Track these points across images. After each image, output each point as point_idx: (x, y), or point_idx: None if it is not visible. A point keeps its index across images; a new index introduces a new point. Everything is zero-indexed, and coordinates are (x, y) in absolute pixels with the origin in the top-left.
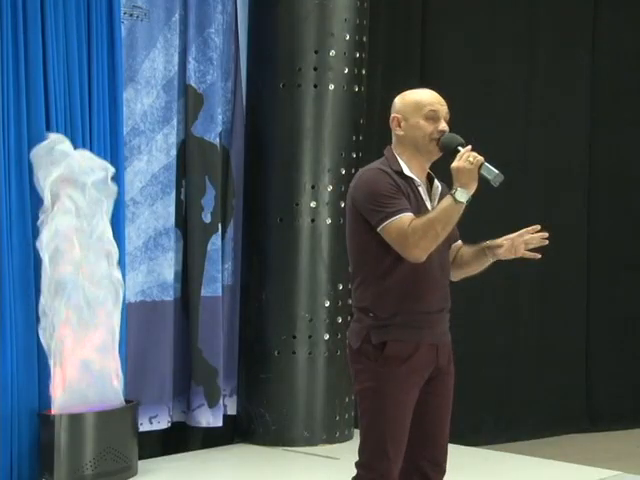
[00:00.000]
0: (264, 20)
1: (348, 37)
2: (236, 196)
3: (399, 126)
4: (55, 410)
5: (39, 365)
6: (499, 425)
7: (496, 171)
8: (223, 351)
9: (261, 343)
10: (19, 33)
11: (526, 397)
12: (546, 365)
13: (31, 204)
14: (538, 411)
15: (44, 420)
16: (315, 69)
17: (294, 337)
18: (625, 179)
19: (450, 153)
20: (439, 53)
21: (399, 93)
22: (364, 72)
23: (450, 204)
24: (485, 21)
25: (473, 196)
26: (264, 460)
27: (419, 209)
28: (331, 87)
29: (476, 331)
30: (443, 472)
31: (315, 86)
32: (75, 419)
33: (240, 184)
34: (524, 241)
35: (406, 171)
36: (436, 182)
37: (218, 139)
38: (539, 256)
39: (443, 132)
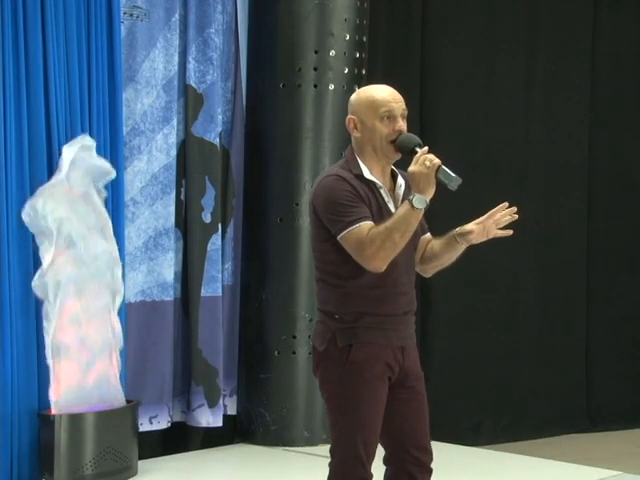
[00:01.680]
0: (264, 20)
1: (348, 37)
2: (236, 196)
3: (355, 128)
4: (55, 410)
5: (39, 365)
6: (499, 425)
7: (453, 175)
8: (223, 351)
9: (261, 343)
10: (19, 33)
11: (526, 397)
12: (546, 365)
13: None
14: (538, 411)
15: (44, 420)
16: (315, 69)
17: (294, 337)
18: (625, 179)
19: (407, 154)
20: (439, 53)
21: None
22: (364, 72)
23: (407, 211)
24: (485, 21)
25: (432, 200)
26: (264, 460)
27: (381, 213)
28: (331, 87)
29: (476, 331)
30: (430, 472)
31: (315, 86)
32: (75, 419)
33: (240, 184)
34: (495, 221)
35: (366, 174)
36: (399, 180)
37: (218, 139)
38: (511, 232)
39: (400, 132)
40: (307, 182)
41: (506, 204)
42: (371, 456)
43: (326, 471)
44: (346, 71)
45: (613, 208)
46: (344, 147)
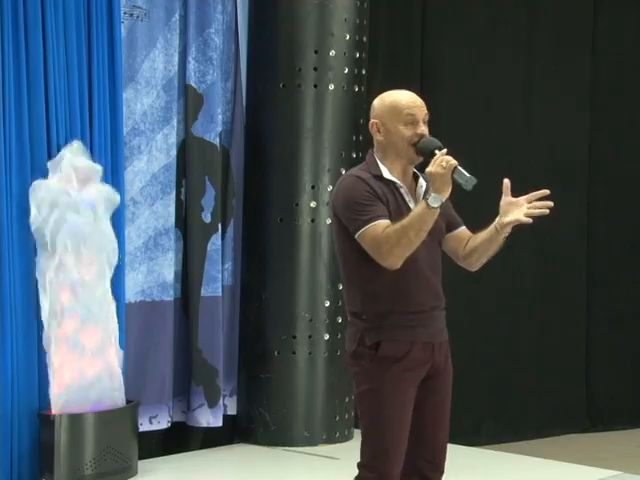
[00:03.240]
0: (264, 20)
1: (348, 37)
2: (236, 196)
3: (378, 131)
4: (55, 410)
5: (39, 365)
6: (499, 425)
7: (469, 175)
8: (223, 351)
9: (261, 343)
10: (19, 33)
11: (526, 397)
12: (546, 365)
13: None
14: (538, 411)
15: (44, 420)
16: (315, 69)
17: (294, 337)
18: (625, 179)
19: (428, 157)
20: (439, 53)
21: None
22: (364, 72)
23: (423, 209)
24: (485, 21)
25: (449, 200)
26: (264, 460)
27: (401, 212)
28: (331, 87)
29: (476, 331)
30: (441, 472)
31: (315, 86)
32: (75, 419)
33: (240, 184)
34: (530, 204)
35: (386, 175)
36: (421, 180)
37: (218, 139)
38: (531, 220)
39: (422, 136)
40: (307, 182)
41: (547, 191)
42: (400, 454)
43: (326, 471)
44: (346, 71)
45: (613, 208)
46: (344, 147)
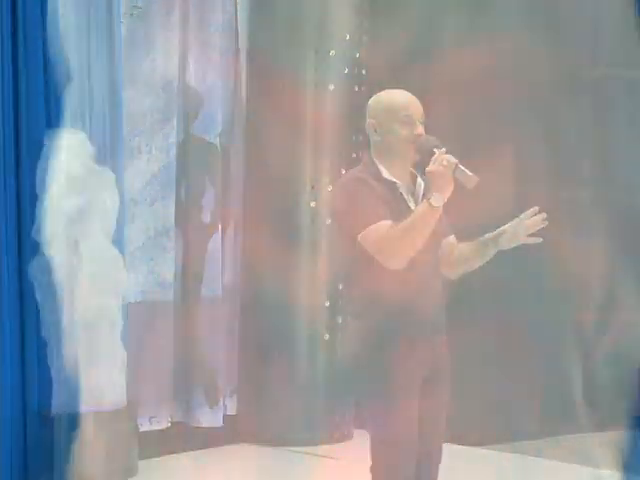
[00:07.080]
0: (264, 20)
1: (348, 37)
2: (236, 196)
3: (375, 131)
4: (55, 410)
5: (39, 365)
6: (499, 425)
7: (470, 173)
8: (223, 351)
9: (261, 343)
10: (18, 33)
11: (526, 397)
12: (546, 364)
13: (30, 205)
14: (538, 411)
15: (44, 420)
16: (315, 69)
17: (294, 337)
18: (627, 180)
19: (426, 156)
20: (439, 53)
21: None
22: (364, 72)
23: (426, 209)
24: (486, 21)
25: (449, 199)
26: (264, 460)
27: (401, 212)
28: (331, 87)
29: (476, 331)
30: (437, 473)
31: (315, 86)
32: (75, 419)
33: (240, 184)
34: (525, 226)
35: (385, 175)
36: (419, 180)
37: (218, 139)
38: (540, 240)
39: (419, 136)
40: (307, 182)
41: (536, 209)
42: (413, 451)
43: (326, 471)
44: (346, 71)
45: (611, 209)
46: (344, 147)
